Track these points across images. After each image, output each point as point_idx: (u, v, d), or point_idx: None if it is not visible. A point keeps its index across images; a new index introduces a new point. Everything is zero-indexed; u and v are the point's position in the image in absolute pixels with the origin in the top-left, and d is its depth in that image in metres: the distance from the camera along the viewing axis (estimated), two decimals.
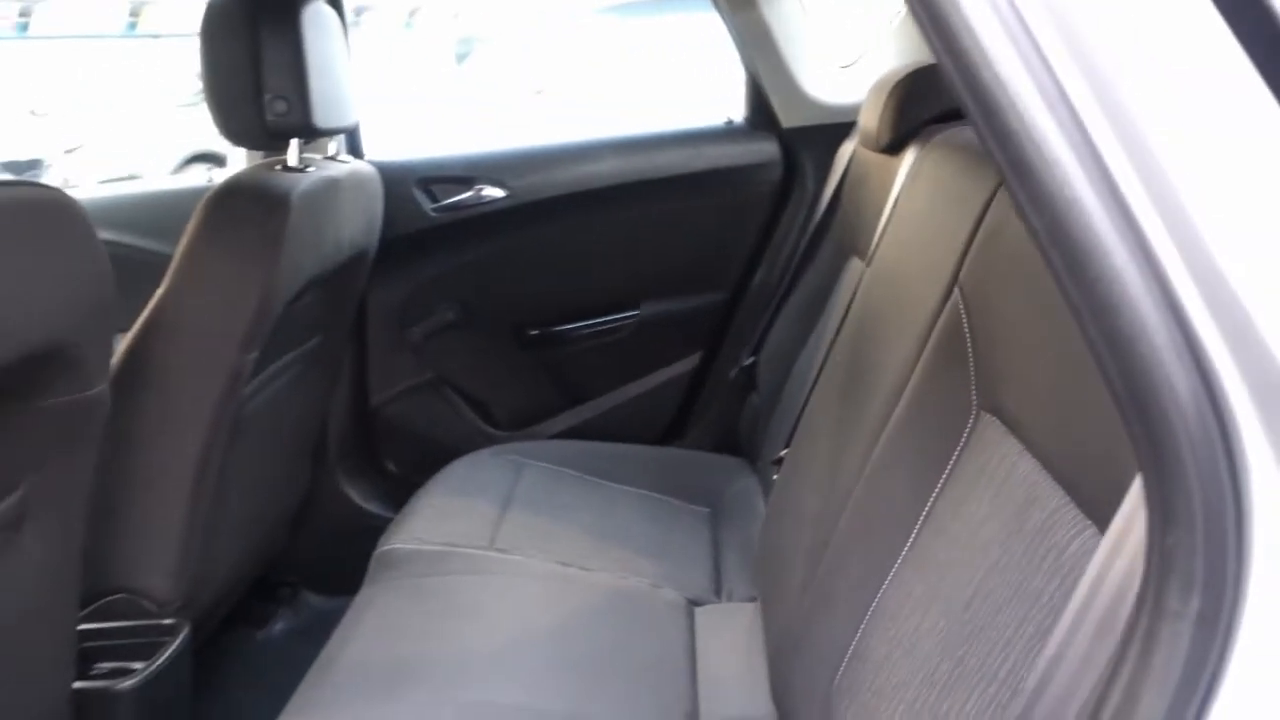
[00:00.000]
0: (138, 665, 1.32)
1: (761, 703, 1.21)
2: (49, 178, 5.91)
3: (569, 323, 2.08)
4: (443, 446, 1.98)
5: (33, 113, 7.92)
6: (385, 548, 1.54)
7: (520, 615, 1.38)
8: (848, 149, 1.82)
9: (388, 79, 6.39)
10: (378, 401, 2.06)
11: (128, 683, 1.29)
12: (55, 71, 7.79)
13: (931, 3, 0.45)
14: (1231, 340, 0.44)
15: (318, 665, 1.28)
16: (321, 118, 1.47)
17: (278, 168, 1.49)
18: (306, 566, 2.00)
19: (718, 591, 1.54)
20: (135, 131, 6.43)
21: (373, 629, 1.35)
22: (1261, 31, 0.45)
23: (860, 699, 0.92)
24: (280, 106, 1.43)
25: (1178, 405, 0.44)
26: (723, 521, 1.75)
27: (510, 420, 2.11)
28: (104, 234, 2.11)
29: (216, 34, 1.41)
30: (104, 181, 4.58)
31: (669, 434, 2.10)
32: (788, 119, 2.02)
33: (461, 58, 8.16)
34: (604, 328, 2.08)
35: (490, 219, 1.99)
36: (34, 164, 5.92)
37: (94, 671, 1.31)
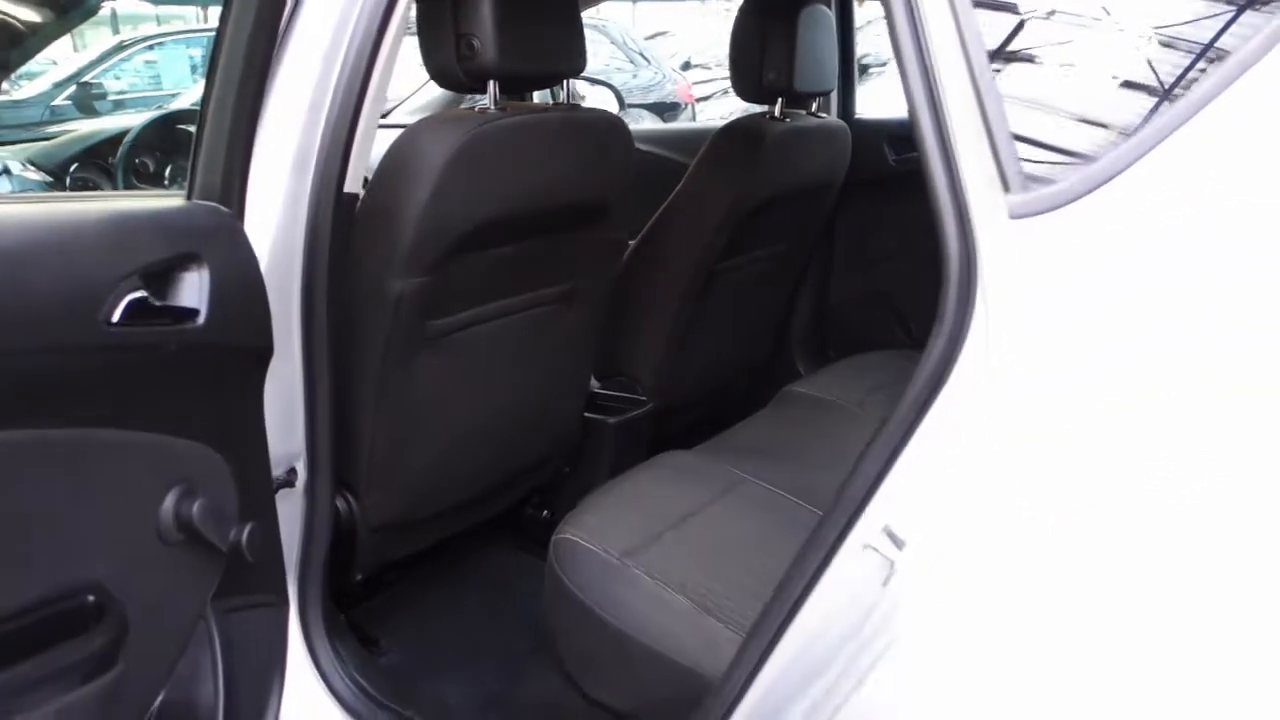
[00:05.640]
0: (616, 418, 2.15)
1: None
2: (683, 115, 7.35)
3: None
4: (873, 347, 2.56)
5: (687, 64, 9.67)
6: (788, 388, 2.19)
7: (852, 449, 1.95)
8: None
9: None
10: (833, 302, 2.69)
11: (612, 420, 2.12)
12: (710, 33, 9.52)
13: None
14: None
15: (709, 442, 1.97)
16: (800, 83, 2.11)
17: (766, 116, 2.17)
18: None
19: None
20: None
21: (751, 428, 2.02)
22: None
23: None
24: (771, 74, 2.10)
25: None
26: None
27: (925, 334, 2.59)
28: (663, 151, 3.03)
29: (742, 21, 2.12)
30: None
31: None
32: None
33: None
34: None
35: None
36: (674, 105, 7.37)
37: (597, 413, 2.16)
